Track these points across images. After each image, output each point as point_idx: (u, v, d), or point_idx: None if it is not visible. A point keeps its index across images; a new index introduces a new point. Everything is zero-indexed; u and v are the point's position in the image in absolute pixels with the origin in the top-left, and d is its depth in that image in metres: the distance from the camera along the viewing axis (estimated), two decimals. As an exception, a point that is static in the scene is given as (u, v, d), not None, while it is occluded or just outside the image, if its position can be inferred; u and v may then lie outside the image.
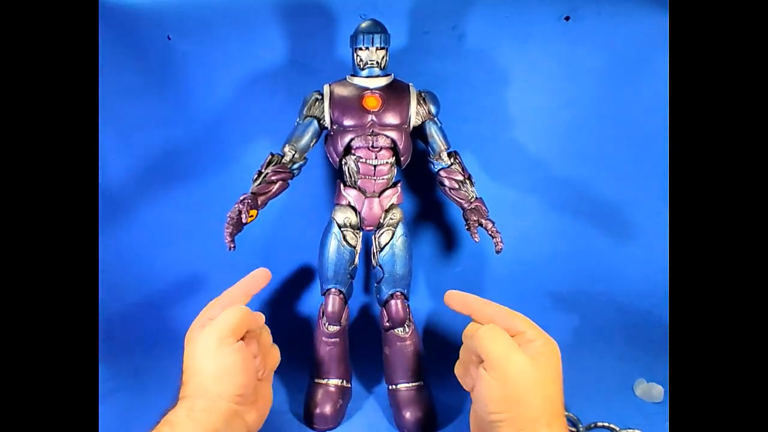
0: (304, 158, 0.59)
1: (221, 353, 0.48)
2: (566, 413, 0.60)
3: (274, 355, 0.54)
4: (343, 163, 0.59)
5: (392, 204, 0.60)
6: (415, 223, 0.75)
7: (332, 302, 0.60)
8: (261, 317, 0.53)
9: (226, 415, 0.47)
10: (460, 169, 0.60)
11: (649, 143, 0.70)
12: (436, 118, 0.60)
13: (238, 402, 0.48)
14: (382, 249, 0.59)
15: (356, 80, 0.58)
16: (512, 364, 0.43)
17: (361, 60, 0.57)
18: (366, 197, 0.59)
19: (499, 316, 0.48)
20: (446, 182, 0.59)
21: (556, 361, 0.46)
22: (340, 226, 0.59)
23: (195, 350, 0.48)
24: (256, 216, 0.55)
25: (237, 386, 0.48)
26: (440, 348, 0.68)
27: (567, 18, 0.65)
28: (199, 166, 0.73)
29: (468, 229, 0.58)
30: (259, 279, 0.55)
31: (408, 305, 0.61)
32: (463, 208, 0.59)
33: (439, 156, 0.60)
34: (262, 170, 0.57)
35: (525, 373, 0.43)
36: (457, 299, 0.52)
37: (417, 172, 0.67)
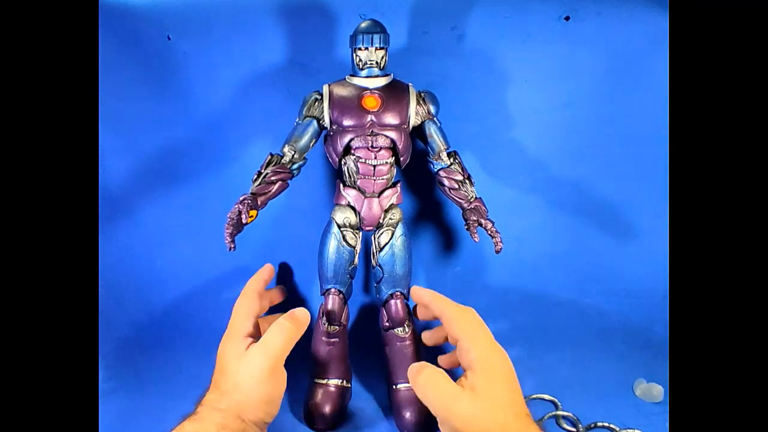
0: (304, 158, 0.59)
1: (273, 382, 0.47)
2: (566, 413, 0.60)
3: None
4: (342, 163, 0.59)
5: (392, 204, 0.60)
6: (415, 223, 0.75)
7: (332, 302, 0.60)
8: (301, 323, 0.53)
9: None
10: (459, 169, 0.60)
11: (649, 143, 0.70)
12: (435, 118, 0.60)
13: (264, 428, 0.48)
14: (381, 249, 0.59)
15: (356, 80, 0.58)
16: (456, 417, 0.41)
17: (360, 60, 0.57)
18: (365, 197, 0.59)
19: (445, 317, 0.49)
20: (446, 182, 0.59)
21: (501, 374, 0.43)
22: (339, 226, 0.59)
23: (240, 369, 0.46)
24: (256, 216, 0.55)
25: (273, 414, 0.48)
26: (440, 348, 0.68)
27: (567, 18, 0.65)
28: (199, 166, 0.73)
29: (468, 229, 0.58)
30: (266, 276, 0.60)
31: (408, 305, 0.61)
32: (463, 208, 0.59)
33: (439, 156, 0.60)
34: (262, 170, 0.57)
35: (471, 419, 0.41)
36: (416, 294, 0.55)
37: (417, 172, 0.67)
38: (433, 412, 0.44)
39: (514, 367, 0.46)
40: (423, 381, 0.44)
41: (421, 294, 0.55)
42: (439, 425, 0.45)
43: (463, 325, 0.47)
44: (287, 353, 0.49)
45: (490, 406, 0.42)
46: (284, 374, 0.49)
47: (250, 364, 0.47)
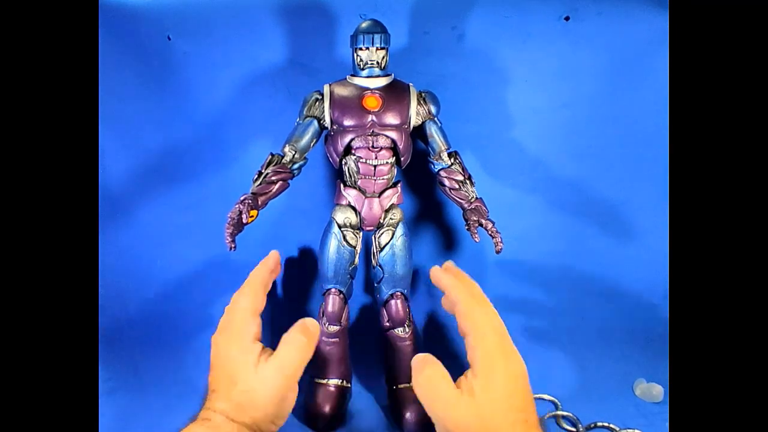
0: (304, 158, 0.59)
1: (288, 400, 0.47)
2: (566, 413, 0.60)
3: None
4: (343, 163, 0.59)
5: (392, 204, 0.60)
6: (415, 223, 0.75)
7: (332, 302, 0.60)
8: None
9: None
10: (460, 169, 0.60)
11: (649, 143, 0.70)
12: (436, 118, 0.60)
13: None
14: (382, 249, 0.59)
15: (356, 80, 0.58)
16: (450, 421, 0.41)
17: (361, 60, 0.57)
18: (366, 197, 0.59)
19: (457, 309, 0.45)
20: (446, 182, 0.59)
21: (501, 378, 0.42)
22: (340, 226, 0.59)
23: (256, 387, 0.45)
24: (257, 216, 0.55)
25: (281, 425, 0.47)
26: (440, 348, 0.68)
27: (567, 18, 0.65)
28: (199, 166, 0.73)
29: (468, 230, 0.58)
30: (272, 266, 0.53)
31: (408, 305, 0.61)
32: (464, 209, 0.59)
33: (439, 156, 0.60)
34: (263, 170, 0.57)
35: (465, 426, 0.41)
36: (434, 277, 0.49)
37: (417, 173, 0.67)
38: (428, 412, 0.43)
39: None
40: (423, 381, 0.44)
41: (438, 277, 0.48)
42: (434, 423, 0.45)
43: (474, 319, 0.44)
44: (303, 370, 0.47)
45: (485, 412, 0.41)
46: (297, 389, 0.48)
47: (267, 384, 0.45)
